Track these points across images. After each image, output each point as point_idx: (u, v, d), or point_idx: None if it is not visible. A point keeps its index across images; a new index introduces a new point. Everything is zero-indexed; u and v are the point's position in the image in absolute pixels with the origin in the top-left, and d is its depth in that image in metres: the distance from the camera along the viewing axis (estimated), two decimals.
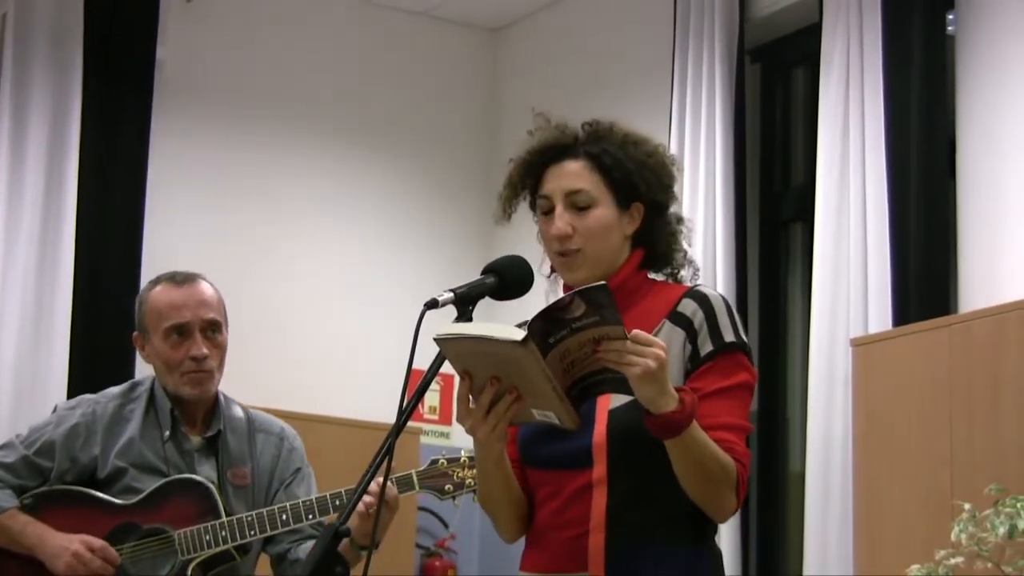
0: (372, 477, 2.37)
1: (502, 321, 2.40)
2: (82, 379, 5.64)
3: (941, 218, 4.85)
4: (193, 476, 3.52)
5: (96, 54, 5.91)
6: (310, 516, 3.42)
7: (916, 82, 4.92)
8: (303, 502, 3.43)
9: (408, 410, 2.38)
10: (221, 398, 3.65)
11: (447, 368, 2.45)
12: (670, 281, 2.73)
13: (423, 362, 2.38)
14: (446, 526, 6.35)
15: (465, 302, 2.49)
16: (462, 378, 2.43)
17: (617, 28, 6.37)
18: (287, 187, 6.46)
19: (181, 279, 3.62)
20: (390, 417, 2.52)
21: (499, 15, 6.86)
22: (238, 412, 3.67)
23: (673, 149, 5.50)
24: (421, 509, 6.09)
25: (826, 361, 5.02)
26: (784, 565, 5.55)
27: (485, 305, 2.56)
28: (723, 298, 2.65)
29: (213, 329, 3.58)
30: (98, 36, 5.93)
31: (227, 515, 3.47)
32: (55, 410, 3.67)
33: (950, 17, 5.02)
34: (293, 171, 6.48)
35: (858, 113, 5.07)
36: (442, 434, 6.52)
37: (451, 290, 2.48)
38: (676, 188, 2.75)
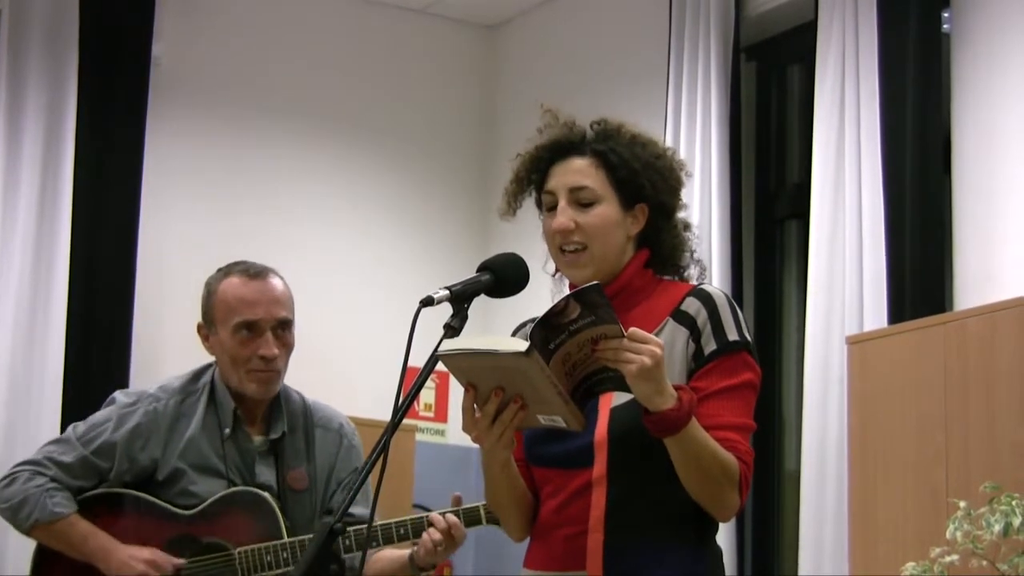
0: (368, 474, 2.37)
1: (498, 318, 2.41)
2: (78, 377, 5.63)
3: (936, 216, 4.85)
4: (255, 490, 3.39)
5: (92, 50, 5.90)
6: (374, 544, 3.27)
7: (911, 80, 4.92)
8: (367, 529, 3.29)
9: (403, 408, 2.38)
10: (282, 393, 3.51)
11: (442, 366, 2.45)
12: (676, 280, 2.71)
13: (419, 360, 2.38)
14: None
15: (460, 300, 2.48)
16: (466, 390, 2.42)
17: (613, 25, 6.37)
18: (283, 183, 6.45)
19: (254, 272, 3.44)
20: (385, 414, 2.52)
21: (495, 12, 6.86)
22: (297, 404, 3.53)
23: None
24: (416, 507, 6.08)
25: (821, 359, 5.02)
26: (779, 563, 5.55)
27: (481, 303, 2.56)
28: (727, 296, 2.63)
29: (284, 327, 3.42)
30: (94, 32, 5.91)
31: (288, 523, 3.35)
32: (112, 401, 3.51)
33: (945, 15, 5.02)
34: (289, 168, 6.47)
35: (853, 111, 5.07)
36: (437, 431, 6.52)
37: (447, 287, 2.47)
38: None
